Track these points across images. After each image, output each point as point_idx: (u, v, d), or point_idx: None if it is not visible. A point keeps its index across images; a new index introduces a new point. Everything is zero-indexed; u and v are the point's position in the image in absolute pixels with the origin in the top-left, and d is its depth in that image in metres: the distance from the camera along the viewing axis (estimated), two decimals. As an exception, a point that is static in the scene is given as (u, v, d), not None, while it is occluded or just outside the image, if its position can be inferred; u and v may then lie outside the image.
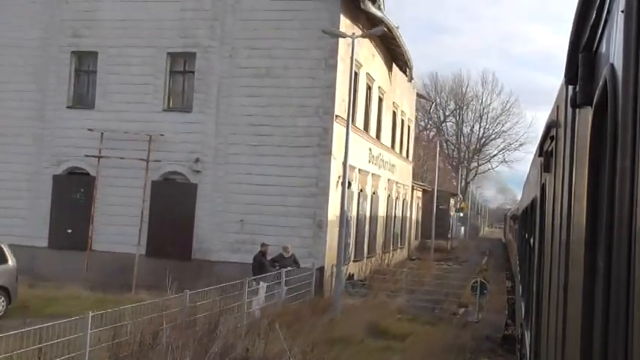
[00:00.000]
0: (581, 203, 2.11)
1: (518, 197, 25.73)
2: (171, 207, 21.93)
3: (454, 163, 78.41)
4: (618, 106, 1.45)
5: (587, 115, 2.07)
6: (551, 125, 4.04)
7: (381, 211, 30.21)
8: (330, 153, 21.13)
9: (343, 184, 18.95)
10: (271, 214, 20.97)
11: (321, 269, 20.49)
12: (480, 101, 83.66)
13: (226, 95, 21.93)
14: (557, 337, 2.98)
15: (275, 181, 21.11)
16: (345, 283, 20.63)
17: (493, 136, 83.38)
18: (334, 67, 21.18)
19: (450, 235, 53.26)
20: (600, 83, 1.68)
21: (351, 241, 24.31)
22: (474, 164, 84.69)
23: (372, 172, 27.61)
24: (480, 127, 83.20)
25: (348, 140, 18.26)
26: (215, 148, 21.94)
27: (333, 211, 20.83)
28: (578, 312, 1.99)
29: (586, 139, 1.98)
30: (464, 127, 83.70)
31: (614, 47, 1.58)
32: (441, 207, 48.98)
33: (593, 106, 1.83)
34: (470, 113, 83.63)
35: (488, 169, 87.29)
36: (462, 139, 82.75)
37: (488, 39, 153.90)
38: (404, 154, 37.50)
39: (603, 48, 1.80)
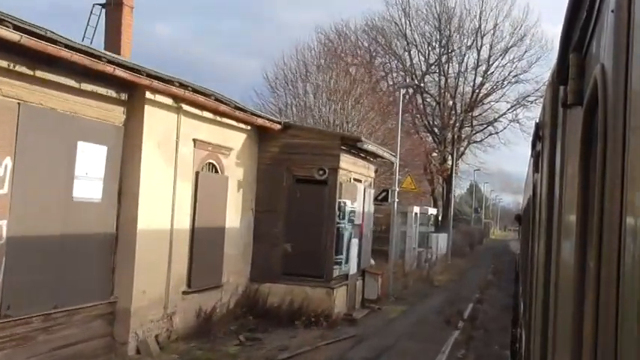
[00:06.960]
0: (571, 203, 2.11)
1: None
2: None
3: (435, 130, 50.18)
4: (608, 107, 1.44)
5: (576, 114, 2.07)
6: (540, 125, 4.05)
7: None
8: None
9: None
10: None
11: None
12: (478, 23, 48.96)
13: None
14: (543, 338, 2.98)
15: None
16: None
17: (502, 81, 50.98)
18: None
19: (334, 268, 16.12)
20: (591, 83, 1.68)
21: None
22: (468, 129, 52.75)
23: None
24: (476, 68, 49.59)
25: None
26: None
27: None
28: (566, 312, 1.99)
29: (576, 139, 1.98)
30: (451, 67, 49.66)
31: (604, 47, 1.57)
32: (319, 180, 15.91)
33: (584, 106, 1.83)
34: (462, 48, 49.60)
35: (490, 134, 53.75)
36: (447, 90, 49.94)
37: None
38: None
39: (594, 48, 1.80)
